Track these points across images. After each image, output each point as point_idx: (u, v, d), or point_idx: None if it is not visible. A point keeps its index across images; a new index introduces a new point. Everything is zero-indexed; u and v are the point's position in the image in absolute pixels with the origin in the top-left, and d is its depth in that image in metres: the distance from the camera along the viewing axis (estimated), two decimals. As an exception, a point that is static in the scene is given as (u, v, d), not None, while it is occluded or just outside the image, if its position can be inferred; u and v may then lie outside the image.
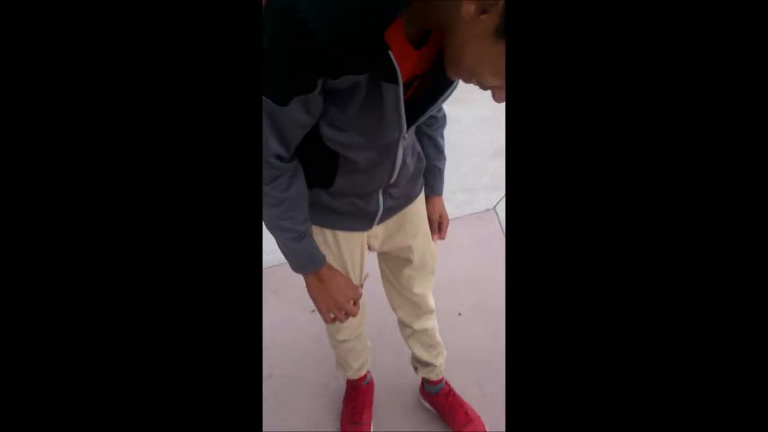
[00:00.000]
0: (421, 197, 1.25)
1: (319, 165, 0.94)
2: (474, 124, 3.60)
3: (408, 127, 0.88)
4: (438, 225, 1.34)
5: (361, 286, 1.22)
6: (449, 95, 0.89)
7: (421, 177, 1.21)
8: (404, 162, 1.00)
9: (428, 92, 0.86)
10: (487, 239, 2.44)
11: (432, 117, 1.20)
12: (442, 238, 1.36)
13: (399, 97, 0.76)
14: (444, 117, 1.24)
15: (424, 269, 1.34)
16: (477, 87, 0.74)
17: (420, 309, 1.42)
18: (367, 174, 0.96)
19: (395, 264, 1.34)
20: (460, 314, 2.05)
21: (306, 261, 1.01)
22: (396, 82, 0.72)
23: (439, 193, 1.31)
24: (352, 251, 1.18)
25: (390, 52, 0.67)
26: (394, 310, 1.46)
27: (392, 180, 1.02)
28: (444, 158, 1.27)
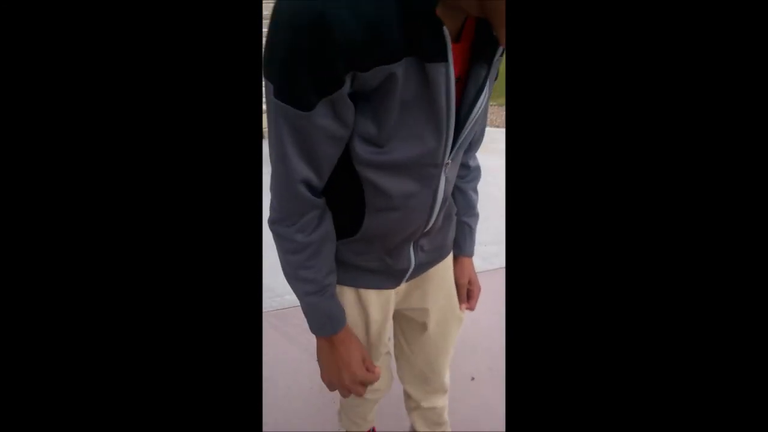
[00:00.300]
0: (449, 255, 1.09)
1: (344, 201, 0.80)
2: (511, 175, 3.49)
3: (454, 142, 0.76)
4: (468, 292, 1.16)
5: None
6: (486, 102, 0.79)
7: (453, 227, 1.04)
8: (445, 198, 0.84)
9: (463, 99, 0.76)
10: (513, 297, 2.27)
11: (463, 167, 1.07)
12: (471, 308, 1.17)
13: (449, 76, 0.65)
14: (477, 168, 1.10)
15: (443, 340, 1.14)
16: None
17: (431, 385, 1.20)
18: (402, 212, 0.80)
19: (409, 327, 1.15)
20: (473, 378, 1.88)
21: (323, 322, 0.85)
22: (445, 59, 0.63)
23: (470, 253, 1.12)
24: (377, 311, 1.00)
25: (444, 27, 0.60)
26: (402, 382, 1.24)
27: (431, 223, 0.86)
28: (476, 215, 1.11)
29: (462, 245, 1.11)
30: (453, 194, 1.04)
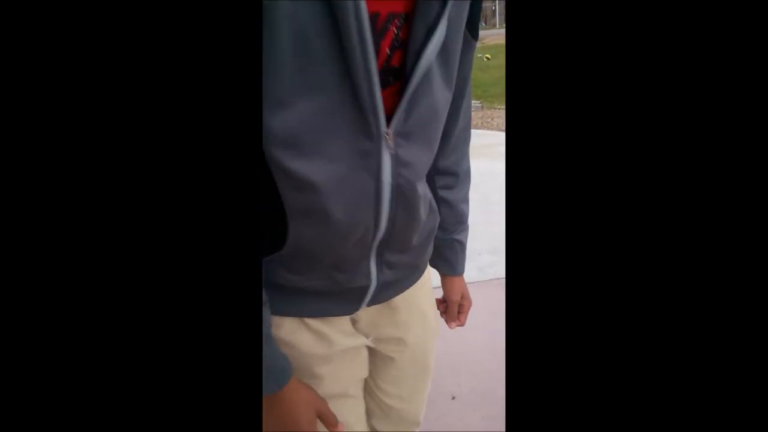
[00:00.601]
0: (426, 273, 0.91)
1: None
2: (515, 184, 3.38)
3: (389, 119, 0.57)
4: (459, 307, 1.00)
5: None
6: (449, 58, 0.60)
7: (432, 243, 0.85)
8: (398, 187, 0.64)
9: (410, 42, 0.56)
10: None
11: (449, 174, 0.86)
12: (461, 323, 1.01)
13: None
14: (466, 173, 0.89)
15: (420, 373, 0.94)
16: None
17: (404, 421, 0.98)
18: (335, 209, 0.60)
19: (376, 360, 0.91)
20: (454, 398, 1.72)
21: (263, 375, 0.64)
22: None
23: (461, 272, 0.96)
24: (346, 338, 0.77)
25: None
26: (368, 416, 0.99)
27: (382, 222, 0.66)
28: (466, 229, 0.93)
29: (454, 264, 0.94)
30: (438, 207, 0.84)
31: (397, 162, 0.62)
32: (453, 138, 0.82)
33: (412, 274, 0.83)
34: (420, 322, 0.89)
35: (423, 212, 0.72)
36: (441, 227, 0.87)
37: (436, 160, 0.80)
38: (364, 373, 0.86)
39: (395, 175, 0.63)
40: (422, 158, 0.67)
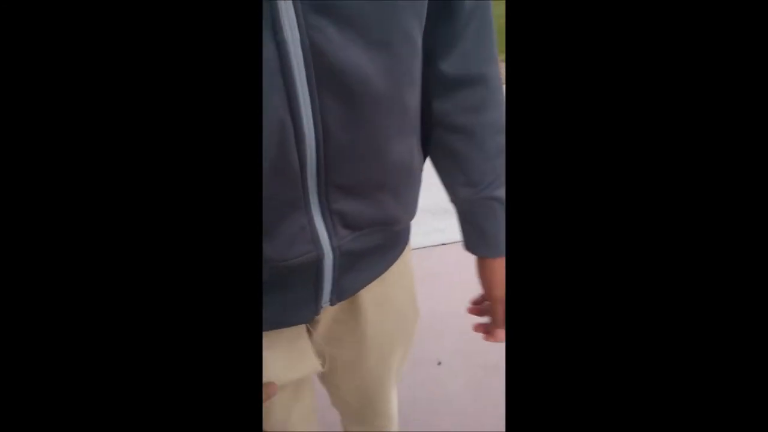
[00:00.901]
0: (405, 255, 0.65)
1: None
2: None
3: None
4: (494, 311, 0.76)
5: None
6: None
7: (414, 188, 0.56)
8: (316, 49, 0.40)
9: None
10: (484, 273, 2.09)
11: (469, 84, 0.53)
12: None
13: None
14: (497, 82, 0.55)
15: (387, 370, 0.75)
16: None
17: (372, 419, 0.85)
18: None
19: (337, 364, 0.71)
20: (440, 363, 1.68)
21: None
22: None
23: (502, 252, 0.61)
24: (285, 368, 0.58)
25: None
26: (337, 408, 0.89)
27: (303, 123, 0.42)
28: (502, 181, 0.58)
29: (494, 237, 0.59)
30: (456, 144, 0.56)
31: (305, 5, 0.39)
32: (462, 18, 0.50)
33: (387, 247, 0.57)
34: (392, 321, 0.69)
35: (389, 119, 0.46)
36: (465, 181, 0.57)
37: (440, 63, 0.52)
38: (310, 403, 0.69)
39: (304, 26, 0.39)
40: (358, 7, 0.41)
